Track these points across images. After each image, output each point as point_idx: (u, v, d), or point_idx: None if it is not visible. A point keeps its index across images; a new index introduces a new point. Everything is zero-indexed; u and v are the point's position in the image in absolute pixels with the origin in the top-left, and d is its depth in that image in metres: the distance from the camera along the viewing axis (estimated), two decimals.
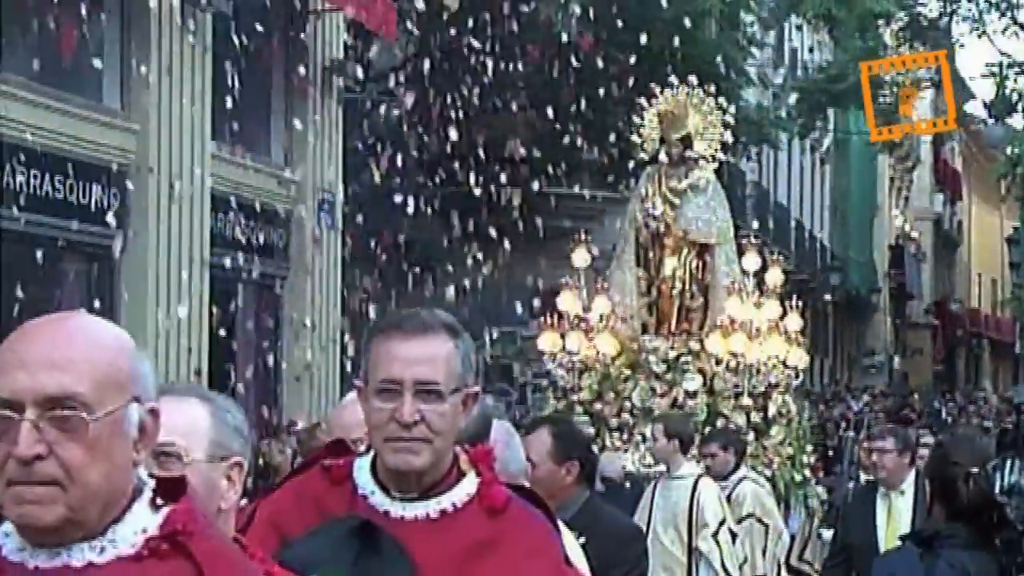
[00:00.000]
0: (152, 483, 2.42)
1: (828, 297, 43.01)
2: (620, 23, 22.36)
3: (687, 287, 12.84)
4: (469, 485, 3.26)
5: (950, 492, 4.83)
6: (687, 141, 12.94)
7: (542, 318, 12.79)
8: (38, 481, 2.26)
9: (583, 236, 12.98)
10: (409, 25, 22.04)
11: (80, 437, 2.27)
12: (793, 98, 35.70)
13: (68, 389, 2.27)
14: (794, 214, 43.21)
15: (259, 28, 16.95)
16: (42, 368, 2.27)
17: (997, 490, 5.01)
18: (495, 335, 23.18)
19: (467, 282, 22.32)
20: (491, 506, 3.23)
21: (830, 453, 19.26)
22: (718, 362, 12.30)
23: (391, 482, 3.23)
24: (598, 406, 12.17)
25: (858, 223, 48.81)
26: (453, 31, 21.11)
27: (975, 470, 4.82)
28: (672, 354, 12.36)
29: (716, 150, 13.10)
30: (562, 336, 12.41)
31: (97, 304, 15.13)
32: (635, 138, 13.05)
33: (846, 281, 47.16)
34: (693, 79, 13.12)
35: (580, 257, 12.77)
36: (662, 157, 12.84)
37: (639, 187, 13.19)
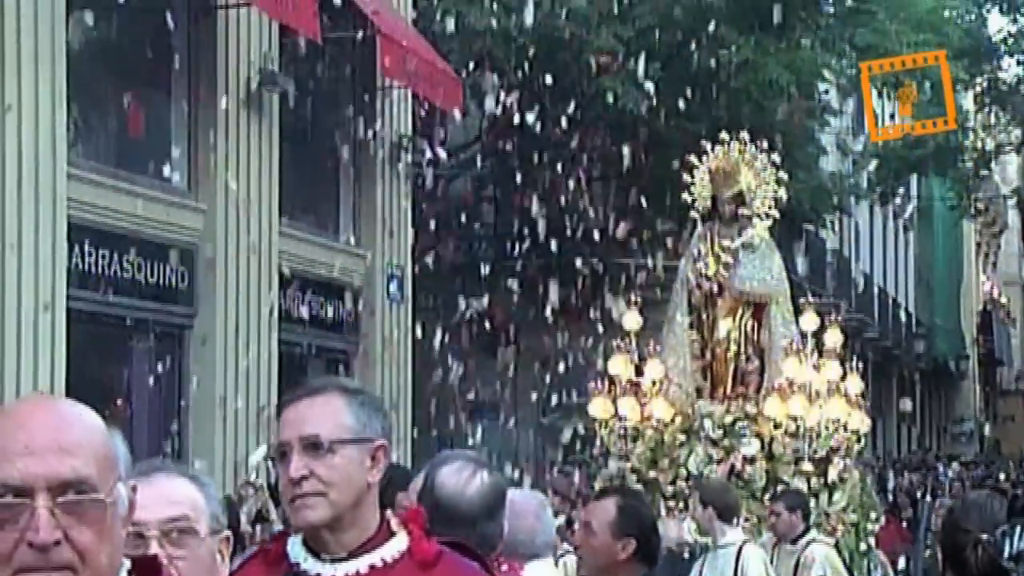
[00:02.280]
0: (128, 563, 2.43)
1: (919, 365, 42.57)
2: (689, 95, 22.49)
3: (742, 349, 12.58)
4: (400, 543, 3.35)
5: (960, 559, 4.85)
6: (739, 199, 12.69)
7: (593, 384, 12.62)
8: (54, 567, 2.27)
9: (634, 299, 12.71)
10: (486, 101, 22.32)
11: (93, 520, 2.30)
12: (873, 164, 35.62)
13: (80, 473, 2.29)
14: (877, 282, 42.95)
15: (327, 105, 17.23)
16: (51, 453, 2.27)
17: (1005, 556, 4.98)
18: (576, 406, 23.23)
19: (548, 354, 22.42)
20: (423, 559, 3.32)
21: (904, 524, 19.06)
22: (776, 426, 12.01)
23: (315, 545, 3.34)
24: (652, 474, 11.96)
25: (944, 290, 48.43)
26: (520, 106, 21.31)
27: (984, 536, 4.84)
28: (728, 419, 12.12)
29: (770, 207, 12.83)
30: (614, 402, 12.20)
31: (167, 382, 15.41)
32: (686, 196, 12.80)
33: (932, 348, 46.78)
34: (745, 135, 12.87)
35: (631, 320, 12.49)
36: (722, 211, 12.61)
37: (691, 247, 12.91)
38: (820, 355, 12.49)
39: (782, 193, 12.99)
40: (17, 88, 12.48)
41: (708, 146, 12.94)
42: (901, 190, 38.16)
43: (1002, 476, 30.35)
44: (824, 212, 29.13)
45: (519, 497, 5.58)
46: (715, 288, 12.57)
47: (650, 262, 23.79)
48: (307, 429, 3.30)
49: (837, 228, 36.29)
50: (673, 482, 11.89)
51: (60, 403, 2.39)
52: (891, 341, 42.33)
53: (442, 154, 21.26)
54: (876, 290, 42.31)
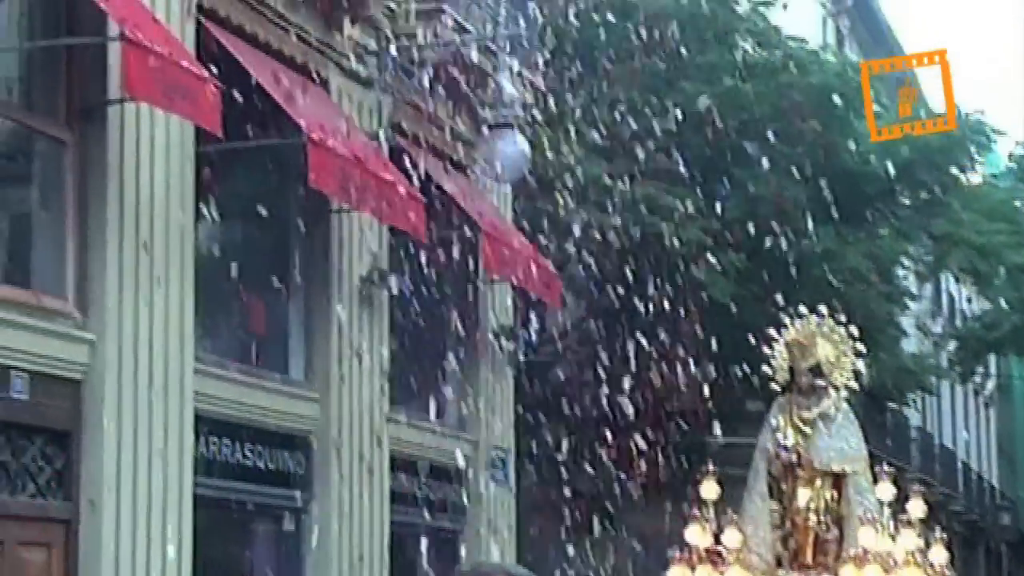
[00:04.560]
0: None
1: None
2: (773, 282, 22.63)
3: (821, 518, 12.21)
4: None
5: None
6: (817, 370, 12.39)
7: (673, 553, 12.45)
8: None
9: (712, 469, 12.57)
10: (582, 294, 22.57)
11: None
12: (952, 345, 35.48)
13: None
14: (961, 456, 42.44)
15: (433, 298, 17.50)
16: None
17: None
18: None
19: (645, 531, 22.31)
20: None
21: None
22: None
23: None
24: None
25: None
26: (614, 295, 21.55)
27: None
28: None
29: (848, 379, 12.49)
30: (692, 569, 11.80)
31: (286, 564, 15.50)
32: (766, 368, 12.49)
33: (1018, 521, 46.02)
34: (823, 308, 12.82)
35: (709, 489, 12.05)
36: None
37: (770, 417, 12.54)
38: (897, 525, 12.16)
39: (861, 365, 12.86)
40: (149, 290, 12.80)
41: (787, 320, 12.86)
42: (980, 368, 37.87)
43: None
44: (907, 391, 28.98)
45: None
46: (794, 458, 12.43)
47: (736, 439, 23.75)
48: None
49: (920, 406, 36.03)
50: None
51: None
52: (976, 514, 41.68)
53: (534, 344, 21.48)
54: (960, 464, 41.79)
